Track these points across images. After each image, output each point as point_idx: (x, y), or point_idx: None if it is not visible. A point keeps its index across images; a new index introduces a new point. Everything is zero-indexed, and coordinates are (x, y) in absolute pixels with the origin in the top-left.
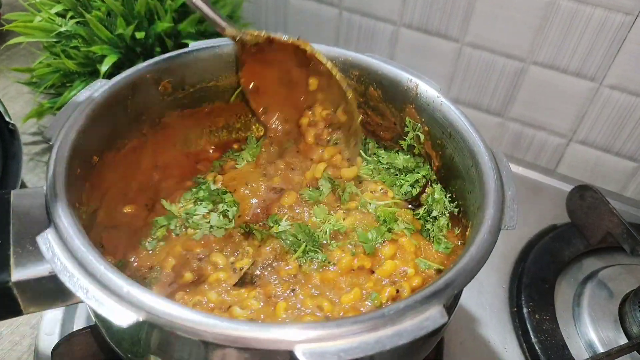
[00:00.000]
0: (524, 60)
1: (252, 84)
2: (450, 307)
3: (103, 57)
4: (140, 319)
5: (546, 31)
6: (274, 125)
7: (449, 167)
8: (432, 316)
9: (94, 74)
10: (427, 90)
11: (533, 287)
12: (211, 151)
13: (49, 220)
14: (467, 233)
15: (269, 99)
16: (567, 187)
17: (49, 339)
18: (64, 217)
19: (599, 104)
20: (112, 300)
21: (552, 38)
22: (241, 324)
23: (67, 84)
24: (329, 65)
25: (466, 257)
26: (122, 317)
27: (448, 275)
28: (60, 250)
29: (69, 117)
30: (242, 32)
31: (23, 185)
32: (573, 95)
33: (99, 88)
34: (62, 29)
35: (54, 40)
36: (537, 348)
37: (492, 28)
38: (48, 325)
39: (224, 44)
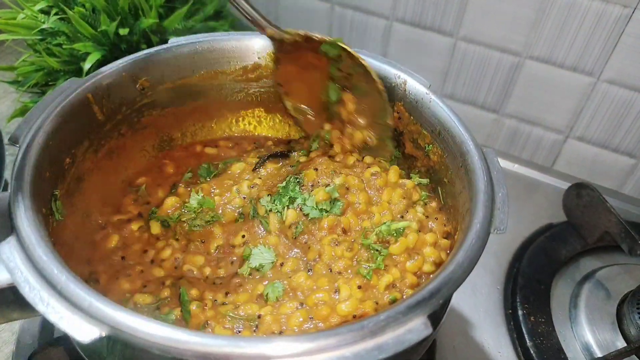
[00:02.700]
0: (519, 55)
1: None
2: (437, 315)
3: (87, 54)
4: (104, 334)
5: (542, 25)
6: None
7: (439, 167)
8: (415, 328)
9: (78, 72)
10: (416, 87)
11: (528, 288)
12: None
13: (11, 228)
14: (456, 237)
15: (300, 98)
16: (564, 185)
17: (27, 346)
18: (26, 225)
19: (596, 99)
20: (74, 314)
21: (548, 32)
22: (213, 338)
23: (51, 83)
24: (369, 69)
25: (452, 264)
26: (84, 333)
27: (433, 284)
28: (21, 260)
29: (38, 117)
30: (282, 31)
31: (6, 188)
32: (570, 91)
33: (70, 87)
34: (45, 26)
35: (38, 37)
36: (532, 352)
37: (487, 22)
38: (27, 332)
39: (204, 40)
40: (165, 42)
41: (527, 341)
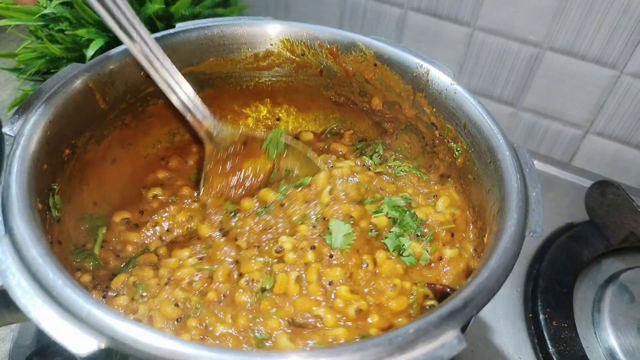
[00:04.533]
0: (539, 46)
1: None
2: (465, 329)
3: (90, 41)
4: (102, 346)
5: (565, 15)
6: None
7: (464, 163)
8: (448, 342)
9: (81, 60)
10: (440, 77)
11: (550, 291)
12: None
13: (4, 226)
14: (485, 239)
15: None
16: (584, 182)
17: (25, 346)
18: (20, 223)
19: (619, 93)
20: (70, 323)
21: (571, 22)
22: (223, 352)
23: (53, 70)
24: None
25: (486, 270)
26: (80, 344)
27: (466, 292)
28: (14, 262)
29: (35, 106)
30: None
31: None
32: (591, 84)
33: (71, 73)
34: (47, 11)
35: (40, 23)
36: (555, 359)
37: (506, 11)
38: (25, 332)
39: (214, 25)
40: (172, 28)
41: (550, 347)
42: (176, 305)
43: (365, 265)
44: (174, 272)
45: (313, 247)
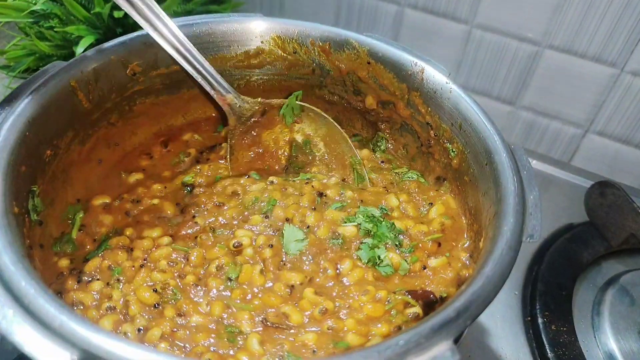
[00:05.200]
0: (538, 44)
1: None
2: (459, 339)
3: (80, 38)
4: (76, 359)
5: (564, 12)
6: None
7: (460, 164)
8: (441, 354)
9: (70, 57)
10: (435, 76)
11: (549, 294)
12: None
13: None
14: (481, 244)
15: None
16: (583, 182)
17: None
18: None
19: (619, 92)
20: (41, 335)
21: (570, 20)
22: None
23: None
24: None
25: (481, 277)
26: (52, 358)
27: (459, 302)
28: None
29: (13, 105)
30: (241, 98)
31: None
32: (591, 82)
33: (52, 72)
34: (36, 8)
35: (29, 20)
36: None
37: (504, 9)
38: None
39: (202, 22)
40: None
41: (548, 352)
42: (154, 290)
43: (327, 271)
44: (150, 253)
45: (271, 246)
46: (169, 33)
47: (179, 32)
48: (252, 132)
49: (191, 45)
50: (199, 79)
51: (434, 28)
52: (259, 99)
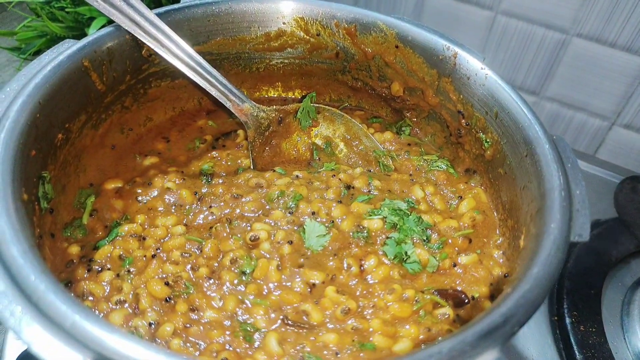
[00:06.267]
0: (566, 32)
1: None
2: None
3: (92, 19)
4: None
5: None
6: None
7: (494, 155)
8: None
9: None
10: (469, 61)
11: (576, 293)
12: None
13: None
14: (521, 242)
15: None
16: (609, 176)
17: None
18: None
19: None
20: (52, 334)
21: (601, 7)
22: None
23: None
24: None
25: (528, 281)
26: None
27: (506, 307)
28: None
29: (22, 86)
30: (258, 108)
31: None
32: (620, 73)
33: (66, 50)
34: None
35: (40, 1)
36: None
37: None
38: None
39: (221, 1)
40: (177, 3)
41: (577, 354)
42: (166, 283)
43: (351, 268)
44: (162, 243)
45: (290, 242)
46: (177, 49)
47: (188, 47)
48: (272, 142)
49: (201, 58)
50: (213, 92)
51: (457, 14)
52: (274, 107)
